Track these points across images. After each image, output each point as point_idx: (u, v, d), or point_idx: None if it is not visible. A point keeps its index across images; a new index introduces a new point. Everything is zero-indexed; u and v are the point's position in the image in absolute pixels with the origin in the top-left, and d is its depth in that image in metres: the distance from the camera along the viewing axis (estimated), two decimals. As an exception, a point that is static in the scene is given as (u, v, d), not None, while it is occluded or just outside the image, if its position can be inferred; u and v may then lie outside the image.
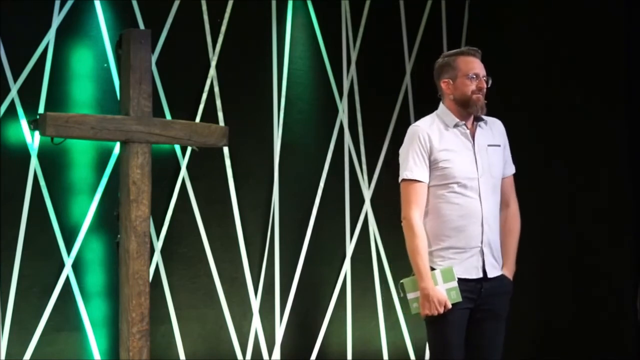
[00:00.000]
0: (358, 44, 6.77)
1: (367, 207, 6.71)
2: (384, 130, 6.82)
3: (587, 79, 6.30)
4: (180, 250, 6.06)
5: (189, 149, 5.86)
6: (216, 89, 6.21)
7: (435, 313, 4.18)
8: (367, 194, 6.73)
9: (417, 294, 4.23)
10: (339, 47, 6.72)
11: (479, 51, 4.40)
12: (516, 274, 6.61)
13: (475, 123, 4.36)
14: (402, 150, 4.36)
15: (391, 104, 6.87)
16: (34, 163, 5.60)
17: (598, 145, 6.23)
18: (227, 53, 6.24)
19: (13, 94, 5.56)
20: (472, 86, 4.30)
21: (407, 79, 6.93)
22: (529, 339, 6.53)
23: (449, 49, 7.05)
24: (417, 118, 6.93)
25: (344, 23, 6.74)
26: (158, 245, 5.95)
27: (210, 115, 6.14)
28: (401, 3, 6.96)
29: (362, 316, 6.66)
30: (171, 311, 5.97)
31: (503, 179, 4.43)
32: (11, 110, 5.56)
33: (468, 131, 4.32)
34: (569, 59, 6.41)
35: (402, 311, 4.36)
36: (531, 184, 6.46)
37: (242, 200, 6.26)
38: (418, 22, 7.02)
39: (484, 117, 4.38)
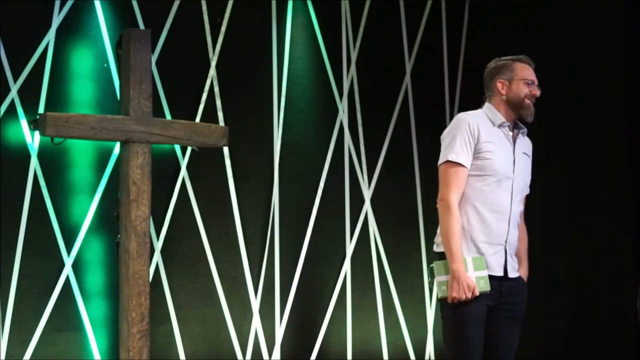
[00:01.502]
0: (358, 44, 6.77)
1: (367, 207, 6.72)
2: (384, 130, 6.83)
3: (587, 78, 6.30)
4: (180, 250, 6.06)
5: (189, 149, 5.87)
6: (216, 89, 6.21)
7: (463, 297, 4.16)
8: (367, 194, 6.73)
9: (446, 277, 4.23)
10: (339, 47, 6.72)
11: (533, 63, 4.47)
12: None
13: (515, 130, 4.42)
14: (446, 134, 4.37)
15: (391, 104, 6.88)
16: (34, 163, 5.60)
17: (598, 144, 6.23)
18: (227, 53, 6.25)
19: (13, 94, 5.56)
20: (527, 90, 4.36)
21: (407, 79, 6.93)
22: (529, 338, 6.52)
23: (449, 49, 7.07)
24: (417, 118, 6.95)
25: (344, 23, 6.74)
26: (158, 245, 5.95)
27: (210, 115, 6.14)
28: (401, 3, 6.96)
29: (362, 316, 6.67)
30: (171, 311, 5.97)
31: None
32: (11, 110, 5.56)
33: (511, 134, 4.39)
34: (569, 59, 6.41)
35: (434, 295, 4.35)
36: (531, 184, 6.47)
37: (242, 200, 6.26)
38: (418, 22, 7.02)
39: (525, 130, 4.46)
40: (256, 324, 6.25)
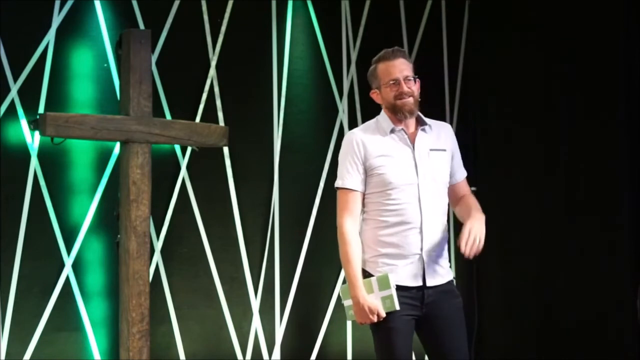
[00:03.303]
0: (358, 44, 6.77)
1: (367, 207, 6.71)
2: (384, 130, 6.82)
3: (587, 78, 6.30)
4: (180, 250, 6.06)
5: (189, 149, 5.87)
6: (216, 89, 6.21)
7: (368, 321, 4.12)
8: (367, 194, 6.72)
9: (351, 302, 4.17)
10: (339, 47, 6.72)
11: (399, 50, 4.31)
12: (516, 274, 6.63)
13: (418, 127, 4.27)
14: (339, 157, 4.31)
15: (391, 104, 6.86)
16: (34, 163, 5.60)
17: (598, 144, 6.22)
18: (227, 53, 6.24)
19: (13, 94, 5.56)
20: (394, 93, 4.23)
21: (407, 79, 6.92)
22: (529, 339, 6.53)
23: (449, 49, 7.07)
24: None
25: (344, 23, 6.74)
26: (158, 245, 5.95)
27: (210, 115, 6.14)
28: (401, 3, 6.96)
29: (362, 316, 6.66)
30: (171, 311, 5.97)
31: (456, 184, 4.34)
32: (11, 110, 5.56)
33: (407, 136, 4.23)
34: (569, 59, 6.41)
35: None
36: (530, 184, 6.47)
37: (242, 200, 6.26)
38: (418, 22, 7.01)
39: (430, 121, 4.30)
40: (256, 324, 6.25)
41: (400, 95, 4.21)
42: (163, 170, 5.87)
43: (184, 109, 6.05)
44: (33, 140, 5.59)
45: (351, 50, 6.75)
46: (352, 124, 6.72)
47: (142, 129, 4.89)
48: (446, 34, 7.10)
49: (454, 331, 4.20)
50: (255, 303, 6.26)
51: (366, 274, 4.19)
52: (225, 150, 6.15)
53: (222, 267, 6.16)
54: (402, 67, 4.24)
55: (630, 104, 6.11)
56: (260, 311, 6.27)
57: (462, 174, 4.37)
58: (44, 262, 5.61)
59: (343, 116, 6.70)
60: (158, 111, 5.67)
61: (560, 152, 6.44)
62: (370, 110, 6.77)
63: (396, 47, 4.32)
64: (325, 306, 6.53)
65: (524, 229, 6.21)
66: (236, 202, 6.23)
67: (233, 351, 6.16)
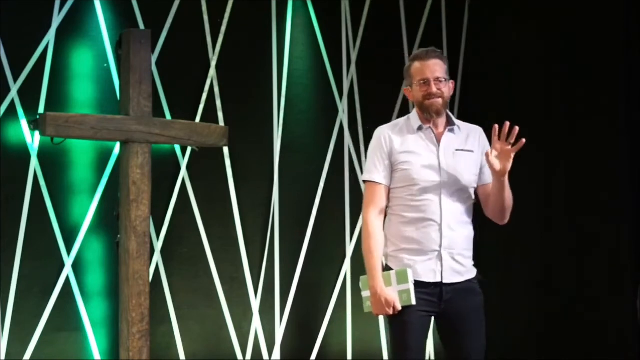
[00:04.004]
0: (358, 44, 6.77)
1: (367, 207, 6.71)
2: (384, 130, 6.81)
3: (588, 78, 6.30)
4: (180, 250, 6.06)
5: (189, 149, 5.87)
6: (216, 89, 6.21)
7: (384, 313, 4.18)
8: (367, 194, 6.73)
9: (369, 293, 4.23)
10: (339, 47, 6.72)
11: (435, 50, 4.34)
12: (516, 274, 6.63)
13: (447, 127, 4.32)
14: (368, 152, 4.40)
15: (391, 104, 6.87)
16: (34, 163, 5.60)
17: (598, 144, 6.23)
18: (227, 53, 6.25)
19: (13, 94, 5.56)
20: (422, 92, 4.28)
21: (407, 79, 6.92)
22: (528, 338, 6.53)
23: (449, 49, 7.07)
24: (417, 118, 6.95)
25: (344, 23, 6.74)
26: (158, 245, 5.95)
27: (210, 115, 6.14)
28: (401, 3, 6.96)
29: (362, 316, 6.65)
30: (171, 311, 5.97)
31: (486, 185, 4.35)
32: (11, 110, 5.56)
33: (434, 135, 4.29)
34: (569, 58, 6.41)
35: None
36: (530, 185, 6.46)
37: (242, 200, 6.26)
38: (418, 22, 7.01)
39: (461, 122, 4.36)
40: (256, 324, 6.25)
41: (428, 96, 4.28)
42: (163, 170, 5.87)
43: (184, 109, 6.05)
44: (33, 140, 5.59)
45: (351, 50, 6.75)
46: (352, 124, 6.72)
47: (142, 129, 4.89)
48: (446, 34, 7.10)
49: (472, 330, 4.25)
50: (255, 303, 6.26)
51: (387, 268, 4.26)
52: (225, 150, 6.15)
53: (222, 267, 6.16)
54: (434, 68, 4.28)
55: (630, 104, 6.11)
56: (260, 311, 6.27)
57: (491, 176, 4.36)
58: (44, 262, 5.61)
59: (343, 116, 6.70)
60: (158, 111, 5.67)
61: (560, 152, 6.44)
62: (370, 110, 6.82)
63: (432, 48, 4.37)
64: (325, 306, 6.53)
65: (524, 229, 6.21)
66: (236, 202, 6.23)
67: (233, 351, 6.16)
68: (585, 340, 6.20)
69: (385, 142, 4.30)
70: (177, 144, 5.61)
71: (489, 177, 4.33)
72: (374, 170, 4.30)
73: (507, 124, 4.13)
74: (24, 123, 5.56)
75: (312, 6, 6.61)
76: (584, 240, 6.28)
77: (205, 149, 5.35)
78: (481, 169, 4.34)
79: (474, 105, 6.96)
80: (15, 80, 5.57)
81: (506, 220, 4.36)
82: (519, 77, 6.66)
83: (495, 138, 4.14)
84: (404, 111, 6.90)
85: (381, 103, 6.84)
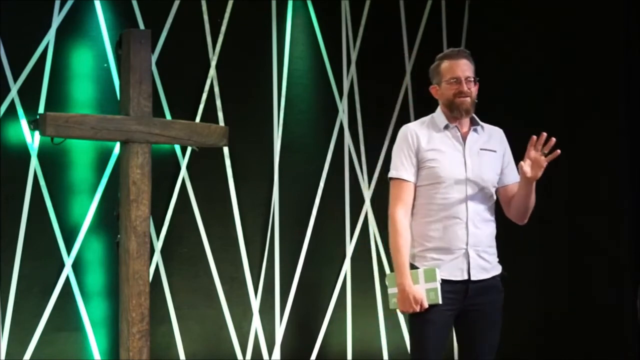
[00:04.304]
0: (358, 44, 6.77)
1: (367, 207, 6.72)
2: (384, 130, 6.82)
3: (588, 78, 6.30)
4: (180, 250, 6.06)
5: (189, 149, 5.87)
6: (216, 89, 6.21)
7: (411, 310, 4.18)
8: (367, 194, 6.73)
9: (396, 290, 4.24)
10: (339, 47, 6.72)
11: (464, 51, 4.40)
12: (515, 274, 6.62)
13: (471, 127, 4.37)
14: (393, 150, 4.41)
15: (391, 104, 6.87)
16: (34, 163, 5.60)
17: (598, 143, 6.23)
18: (227, 53, 6.24)
19: (13, 94, 5.56)
20: (453, 90, 4.31)
21: (407, 79, 6.93)
22: (529, 338, 6.53)
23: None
24: (417, 118, 6.91)
25: (344, 23, 6.74)
26: (158, 245, 5.95)
27: (210, 115, 6.14)
28: (401, 3, 6.96)
29: (362, 316, 6.66)
30: (171, 311, 5.97)
31: (508, 186, 4.41)
32: (11, 110, 5.56)
33: (459, 134, 4.33)
34: (569, 58, 6.41)
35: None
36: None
37: (242, 200, 6.26)
38: (418, 22, 7.01)
39: (482, 123, 4.41)
40: (256, 324, 6.25)
41: (459, 94, 4.31)
42: (163, 170, 5.87)
43: (184, 109, 6.05)
44: (33, 140, 5.59)
45: (351, 50, 6.74)
46: (352, 124, 6.72)
47: (142, 129, 4.89)
48: (446, 34, 7.10)
49: (488, 328, 4.29)
50: (255, 303, 6.26)
51: (412, 267, 4.27)
52: (225, 150, 6.15)
53: (222, 267, 6.16)
54: (464, 67, 4.33)
55: (630, 104, 6.11)
56: (260, 311, 6.27)
57: (514, 177, 4.43)
58: (44, 262, 5.61)
59: (343, 116, 6.70)
60: (158, 111, 5.67)
61: (561, 150, 6.43)
62: (370, 110, 6.82)
63: (462, 48, 4.44)
64: (325, 306, 6.53)
65: (524, 229, 6.20)
66: (236, 202, 6.23)
67: (233, 351, 6.16)
68: (585, 340, 6.20)
69: (412, 140, 4.32)
70: (177, 144, 5.61)
71: (509, 179, 4.41)
72: (401, 168, 4.31)
73: (544, 134, 4.21)
74: (24, 123, 5.56)
75: (312, 6, 6.61)
76: (584, 240, 6.28)
77: (205, 149, 5.34)
78: (502, 170, 4.41)
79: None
80: (15, 80, 5.57)
81: (526, 220, 4.45)
82: (519, 77, 6.66)
83: (530, 147, 4.22)
84: (404, 111, 6.90)
85: (381, 103, 6.84)
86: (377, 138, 6.79)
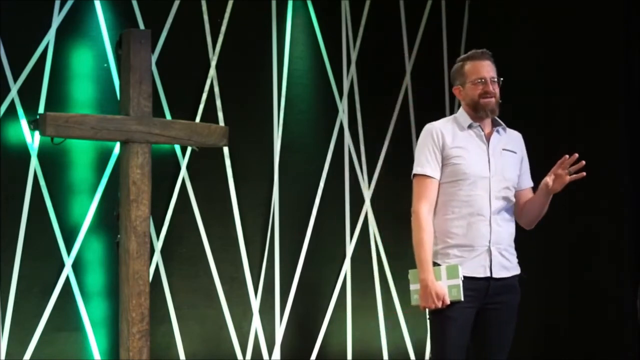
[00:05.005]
0: (358, 44, 6.77)
1: (367, 207, 6.72)
2: (384, 130, 6.82)
3: (588, 78, 6.30)
4: (180, 250, 6.06)
5: (189, 149, 5.87)
6: (216, 89, 6.21)
7: (433, 306, 4.20)
8: (367, 194, 6.73)
9: (418, 286, 4.26)
10: (339, 47, 6.72)
11: (487, 52, 4.46)
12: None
13: (493, 128, 4.42)
14: (417, 147, 4.44)
15: (391, 104, 6.87)
16: (34, 163, 5.60)
17: (598, 143, 6.22)
18: (227, 53, 6.24)
19: (13, 94, 5.56)
20: (479, 91, 4.34)
21: (407, 79, 6.93)
22: (529, 338, 6.52)
23: (449, 49, 7.07)
24: (417, 118, 6.94)
25: (344, 23, 6.74)
26: (158, 245, 5.95)
27: (210, 115, 6.14)
28: (401, 3, 6.96)
29: (362, 316, 6.66)
30: (171, 311, 5.97)
31: (522, 191, 4.46)
32: (11, 110, 5.56)
33: (483, 133, 4.38)
34: (569, 58, 6.41)
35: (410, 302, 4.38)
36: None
37: (242, 200, 6.26)
38: (418, 22, 7.01)
39: (504, 125, 4.45)
40: (256, 324, 6.25)
41: (485, 94, 4.34)
42: (163, 170, 5.87)
43: (184, 109, 6.05)
44: (33, 140, 5.59)
45: (351, 50, 6.74)
46: (352, 124, 6.72)
47: (142, 129, 4.89)
48: (446, 34, 7.10)
49: (503, 325, 4.33)
50: (255, 303, 6.26)
51: (435, 265, 4.29)
52: (225, 150, 6.15)
53: (222, 267, 6.16)
54: (489, 68, 4.40)
55: (630, 104, 6.11)
56: (260, 311, 6.27)
57: (528, 182, 4.50)
58: (44, 262, 5.61)
59: (343, 116, 6.69)
60: (158, 111, 5.67)
61: (560, 152, 6.42)
62: (370, 110, 6.81)
63: (484, 49, 4.49)
64: (325, 306, 6.53)
65: (523, 228, 6.20)
66: (236, 202, 6.23)
67: (233, 351, 6.16)
68: (585, 340, 6.20)
69: (437, 137, 4.34)
70: (177, 144, 5.61)
71: (524, 184, 4.47)
72: (425, 164, 4.33)
73: (576, 155, 4.29)
74: (24, 123, 5.56)
75: (312, 6, 6.61)
76: (584, 240, 6.28)
77: (205, 149, 5.34)
78: (520, 174, 4.46)
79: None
80: (15, 80, 5.57)
81: (534, 226, 4.53)
82: (519, 77, 6.65)
83: (559, 164, 4.29)
84: (404, 111, 6.90)
85: (381, 103, 6.84)
86: (377, 138, 6.79)
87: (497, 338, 4.32)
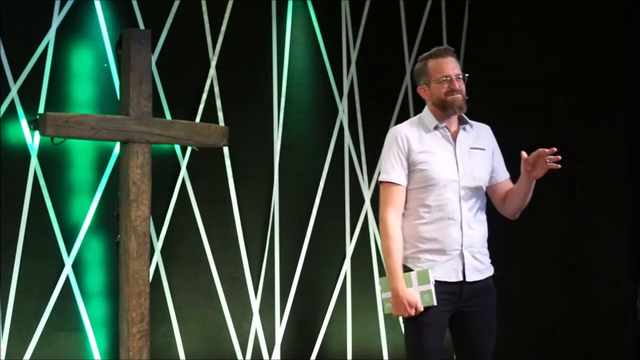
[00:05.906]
0: (358, 44, 6.77)
1: (367, 207, 6.72)
2: (384, 130, 6.77)
3: (588, 78, 6.30)
4: (180, 250, 6.06)
5: (189, 149, 5.87)
6: (216, 89, 6.21)
7: (406, 314, 4.15)
8: (367, 194, 6.73)
9: (389, 294, 4.20)
10: (339, 47, 6.72)
11: (450, 49, 4.40)
12: (515, 274, 6.63)
13: (459, 126, 4.35)
14: (382, 152, 4.39)
15: (391, 104, 6.87)
16: (34, 163, 5.60)
17: (598, 143, 6.22)
18: (227, 53, 6.25)
19: (13, 94, 5.56)
20: (445, 89, 4.28)
21: (407, 79, 6.93)
22: (528, 339, 6.53)
23: (449, 49, 7.06)
24: (417, 118, 6.95)
25: (344, 23, 6.74)
26: (158, 245, 5.95)
27: (210, 115, 6.14)
28: (401, 3, 6.96)
29: (362, 316, 6.66)
30: (171, 311, 5.97)
31: (499, 184, 4.40)
32: (11, 110, 5.56)
33: (449, 133, 4.31)
34: (569, 58, 6.41)
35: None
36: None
37: (242, 200, 6.26)
38: (418, 22, 7.02)
39: (470, 121, 4.38)
40: (256, 324, 6.26)
41: (451, 92, 4.28)
42: (163, 170, 5.87)
43: (184, 109, 6.05)
44: (33, 140, 5.59)
45: (351, 50, 6.75)
46: (352, 124, 6.72)
47: (142, 129, 4.89)
48: (446, 34, 7.10)
49: (483, 329, 4.27)
50: (255, 303, 6.26)
51: (406, 270, 4.23)
52: (225, 150, 6.15)
53: (222, 267, 6.16)
54: (453, 65, 4.33)
55: (630, 104, 6.11)
56: (260, 311, 6.27)
57: (504, 174, 4.43)
58: (44, 262, 5.61)
59: (343, 116, 6.70)
60: (158, 111, 5.67)
61: (561, 152, 6.43)
62: (370, 110, 6.81)
63: (447, 46, 4.46)
64: (325, 306, 6.53)
65: (524, 229, 6.21)
66: (236, 202, 6.23)
67: (233, 351, 6.16)
68: (585, 340, 6.20)
69: (402, 142, 4.29)
70: (177, 144, 5.61)
71: (501, 177, 4.40)
72: (391, 171, 4.28)
73: (554, 149, 4.23)
74: (24, 123, 5.56)
75: (312, 6, 6.61)
76: (583, 240, 6.28)
77: (205, 149, 5.35)
78: (494, 169, 4.39)
79: (473, 106, 6.95)
80: (15, 80, 5.57)
81: (518, 215, 4.43)
82: (519, 77, 6.66)
83: (537, 155, 4.21)
84: (404, 111, 6.90)
85: (381, 103, 6.84)
86: (377, 138, 6.76)
87: (479, 341, 4.25)
